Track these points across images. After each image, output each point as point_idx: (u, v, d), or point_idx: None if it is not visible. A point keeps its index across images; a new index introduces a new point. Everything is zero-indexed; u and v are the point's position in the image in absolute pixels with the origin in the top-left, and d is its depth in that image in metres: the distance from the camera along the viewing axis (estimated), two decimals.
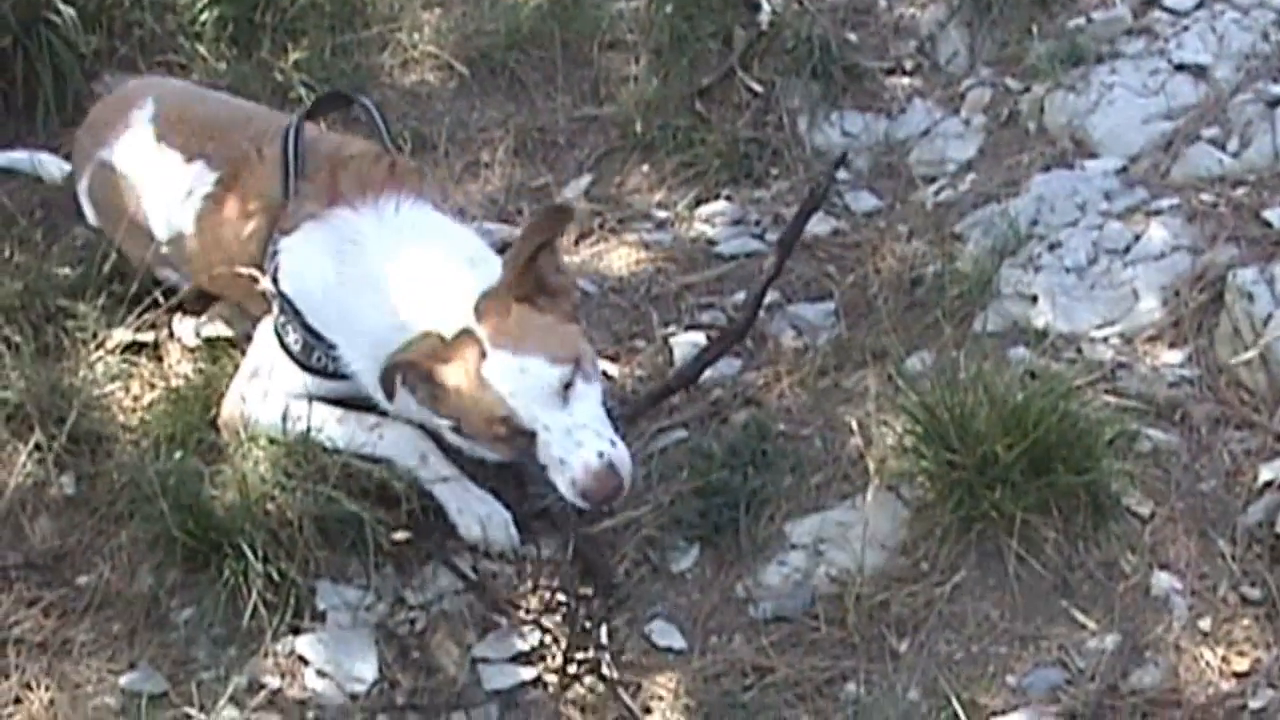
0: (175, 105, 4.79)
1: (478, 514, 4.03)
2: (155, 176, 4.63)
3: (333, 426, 4.14)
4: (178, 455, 4.11)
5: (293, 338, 4.21)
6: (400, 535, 3.99)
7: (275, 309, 4.25)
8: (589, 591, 3.98)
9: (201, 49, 5.50)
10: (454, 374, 3.89)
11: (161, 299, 4.61)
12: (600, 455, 3.81)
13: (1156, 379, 4.17)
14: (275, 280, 4.22)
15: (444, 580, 4.01)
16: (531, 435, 3.85)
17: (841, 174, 5.39)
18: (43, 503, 4.17)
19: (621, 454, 3.86)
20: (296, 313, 4.19)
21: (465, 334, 3.90)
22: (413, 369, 3.93)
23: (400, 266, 4.09)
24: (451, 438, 4.07)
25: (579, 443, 3.82)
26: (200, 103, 4.86)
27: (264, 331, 4.33)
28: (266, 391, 4.22)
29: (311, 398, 4.19)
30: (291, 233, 4.24)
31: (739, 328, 4.62)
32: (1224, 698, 3.59)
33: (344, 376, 4.18)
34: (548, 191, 5.42)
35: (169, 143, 4.64)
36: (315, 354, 4.19)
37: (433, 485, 4.05)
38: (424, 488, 4.06)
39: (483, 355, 3.86)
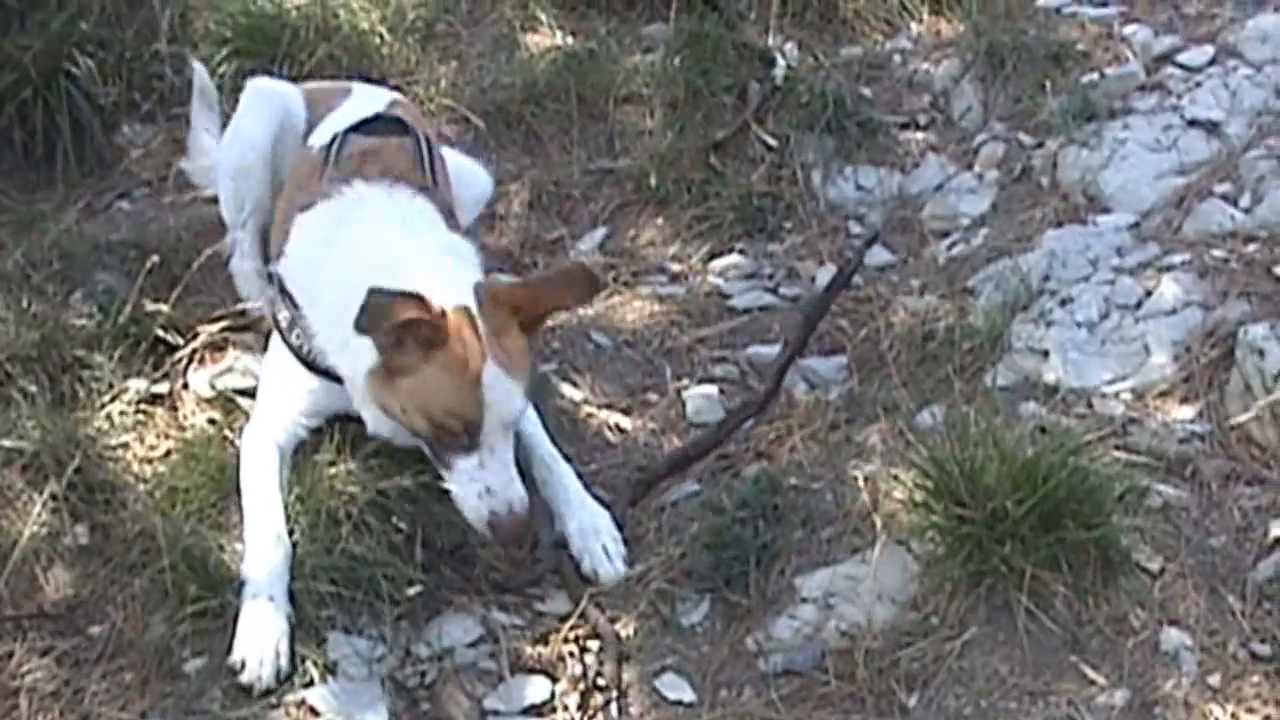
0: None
1: (259, 644, 3.88)
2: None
3: (247, 488, 4.16)
4: (190, 509, 4.16)
5: (284, 314, 4.30)
6: (413, 590, 4.00)
7: (274, 291, 4.37)
8: (600, 649, 3.99)
9: (217, 98, 5.52)
10: (444, 354, 3.91)
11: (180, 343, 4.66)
12: (521, 501, 3.96)
13: (1167, 434, 4.18)
14: (283, 254, 4.36)
15: (455, 632, 4.01)
16: (468, 449, 3.93)
17: (855, 228, 5.42)
18: (56, 552, 4.17)
19: (526, 501, 3.99)
20: (284, 289, 4.30)
21: (464, 316, 3.94)
22: (412, 319, 3.88)
23: (391, 236, 4.18)
24: (362, 399, 4.09)
25: (508, 481, 3.96)
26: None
27: (267, 359, 4.43)
28: (259, 424, 4.29)
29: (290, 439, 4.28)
30: (307, 209, 4.37)
31: (761, 399, 4.62)
32: None
33: (330, 376, 4.22)
34: (562, 244, 5.45)
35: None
36: (295, 331, 4.26)
37: (245, 602, 3.94)
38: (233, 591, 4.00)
39: (484, 357, 3.91)
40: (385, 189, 4.33)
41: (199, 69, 5.45)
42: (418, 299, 3.88)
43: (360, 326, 3.87)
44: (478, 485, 3.95)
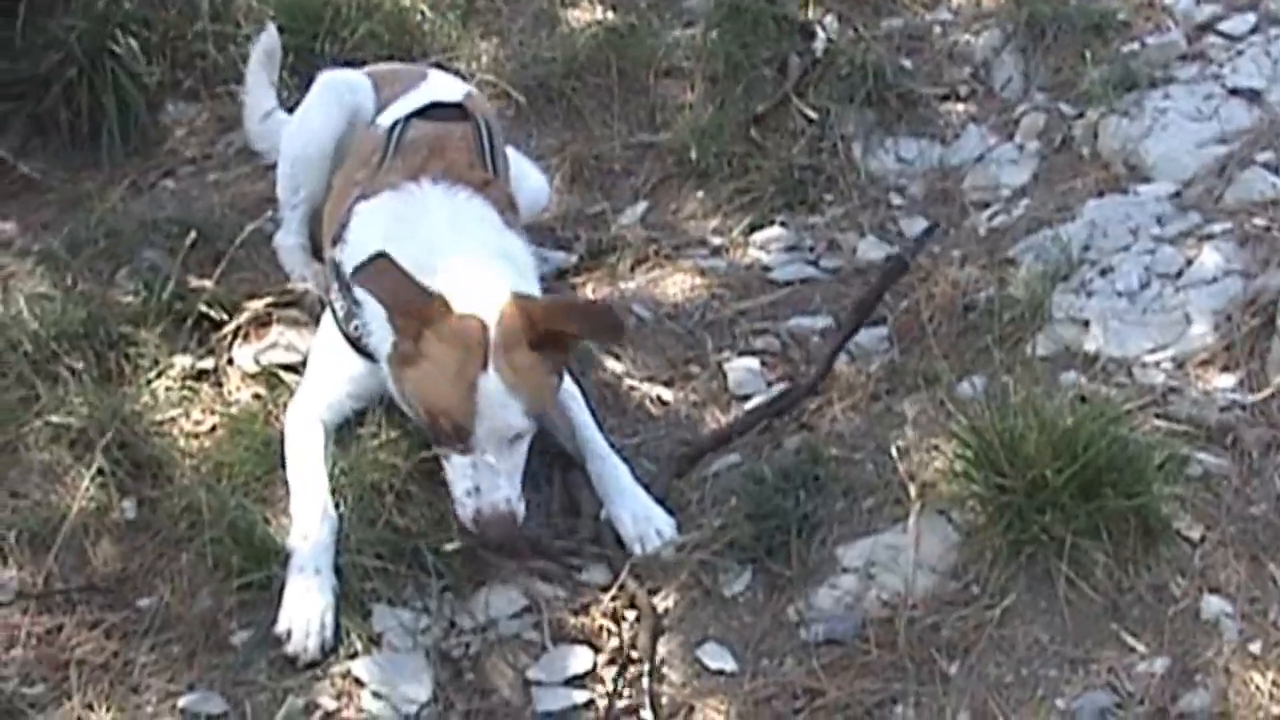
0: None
1: (305, 615, 3.93)
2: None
3: (292, 462, 4.21)
4: (236, 483, 4.21)
5: (340, 303, 4.31)
6: (451, 545, 4.03)
7: (331, 278, 4.39)
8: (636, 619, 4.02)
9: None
10: (445, 353, 3.93)
11: (225, 319, 4.70)
12: (507, 500, 3.93)
13: (1208, 403, 4.17)
14: (343, 241, 4.35)
15: (499, 603, 4.04)
16: (462, 449, 3.93)
17: (896, 200, 5.42)
18: (105, 527, 4.22)
19: (520, 506, 3.97)
20: (342, 278, 4.29)
21: (475, 322, 3.95)
22: (411, 309, 3.94)
23: (443, 241, 4.17)
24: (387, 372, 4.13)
25: (497, 485, 3.93)
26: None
27: (317, 338, 4.47)
28: (306, 399, 4.34)
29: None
30: (369, 198, 4.37)
31: (809, 384, 4.60)
32: None
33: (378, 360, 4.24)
34: (604, 218, 5.46)
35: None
36: (354, 322, 4.27)
37: (290, 574, 3.99)
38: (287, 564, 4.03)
39: (484, 366, 3.91)
40: (445, 188, 4.33)
41: (270, 29, 5.49)
42: (420, 288, 3.94)
43: (354, 275, 3.96)
44: (467, 483, 3.95)
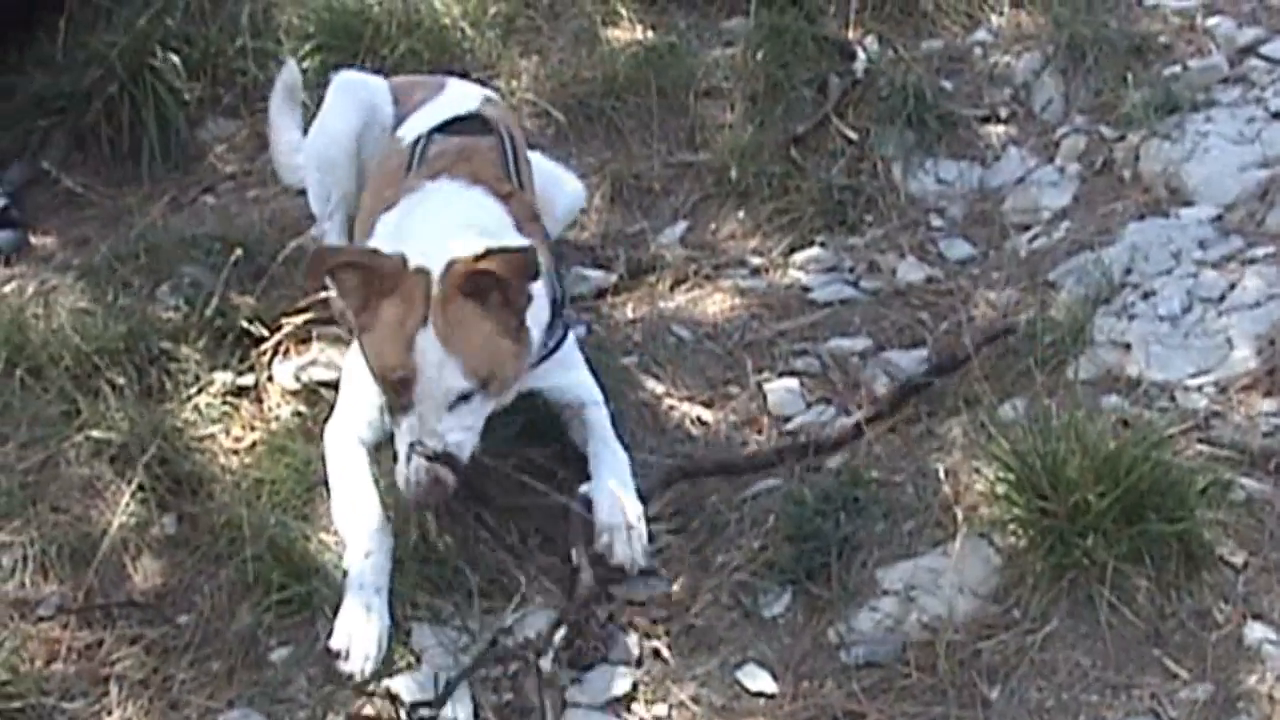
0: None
1: (364, 636, 3.89)
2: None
3: (338, 482, 4.21)
4: (276, 500, 4.23)
5: None
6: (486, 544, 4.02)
7: None
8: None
9: (303, 96, 5.57)
10: (390, 311, 3.94)
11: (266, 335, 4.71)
12: (437, 481, 3.91)
13: (1251, 428, 4.15)
14: None
15: (539, 623, 4.02)
16: (405, 406, 3.93)
17: (936, 221, 5.41)
18: (145, 542, 4.23)
19: (448, 475, 3.92)
20: None
21: (421, 277, 3.95)
22: (351, 269, 3.99)
23: (429, 220, 4.20)
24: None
25: (434, 435, 3.92)
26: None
27: (349, 356, 4.44)
28: (343, 419, 4.33)
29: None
30: (391, 209, 4.37)
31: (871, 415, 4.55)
32: None
33: None
34: (644, 237, 5.46)
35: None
36: None
37: (348, 593, 3.96)
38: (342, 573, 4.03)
39: (423, 321, 3.91)
40: (461, 185, 4.33)
41: (290, 65, 5.51)
42: (369, 251, 4.01)
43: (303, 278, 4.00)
44: (408, 438, 3.93)
